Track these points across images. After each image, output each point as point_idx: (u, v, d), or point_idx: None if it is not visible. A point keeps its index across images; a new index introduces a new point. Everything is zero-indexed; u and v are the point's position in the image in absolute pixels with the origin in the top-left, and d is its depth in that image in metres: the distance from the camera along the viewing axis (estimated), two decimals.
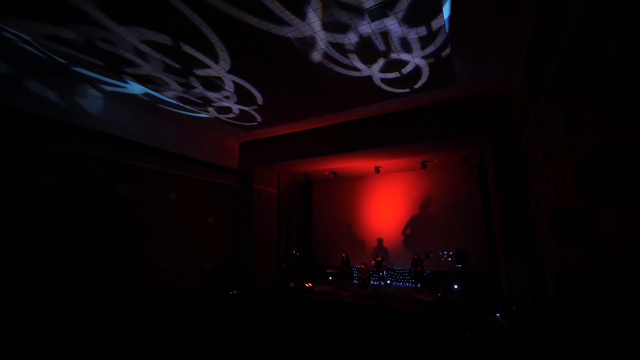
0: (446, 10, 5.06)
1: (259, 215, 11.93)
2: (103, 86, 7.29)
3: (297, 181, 15.19)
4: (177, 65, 6.42)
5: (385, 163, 11.84)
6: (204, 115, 9.07)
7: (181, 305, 8.85)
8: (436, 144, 9.01)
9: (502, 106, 7.72)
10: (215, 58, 6.19)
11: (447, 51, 5.99)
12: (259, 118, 9.40)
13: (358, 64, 6.44)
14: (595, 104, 2.80)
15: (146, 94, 7.71)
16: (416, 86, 7.40)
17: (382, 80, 7.11)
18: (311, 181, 15.27)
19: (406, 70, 6.70)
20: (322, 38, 5.61)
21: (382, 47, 5.89)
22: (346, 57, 6.19)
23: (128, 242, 8.19)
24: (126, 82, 7.14)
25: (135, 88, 7.37)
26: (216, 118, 9.33)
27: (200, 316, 6.88)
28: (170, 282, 9.18)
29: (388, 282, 11.71)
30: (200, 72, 6.66)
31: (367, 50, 5.97)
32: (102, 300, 7.53)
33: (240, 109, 8.71)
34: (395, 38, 5.62)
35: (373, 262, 11.33)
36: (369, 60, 6.33)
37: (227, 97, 7.91)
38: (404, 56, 6.18)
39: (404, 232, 12.77)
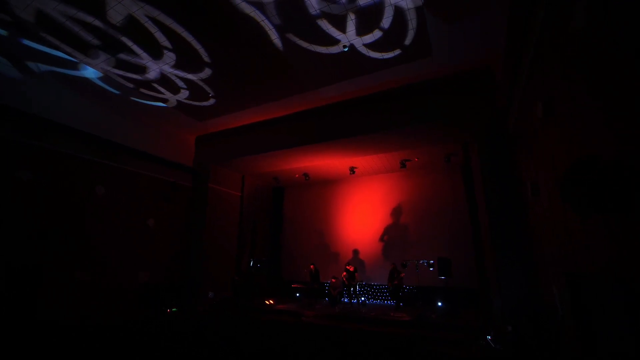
0: None
1: (215, 221, 10.31)
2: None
3: (267, 186, 13.68)
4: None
5: (360, 162, 10.53)
6: (156, 103, 7.66)
7: (99, 325, 7.04)
8: (414, 132, 7.75)
9: (486, 82, 6.59)
10: None
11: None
12: (211, 96, 8.03)
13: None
14: None
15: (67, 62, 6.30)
16: (386, 55, 6.21)
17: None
18: (282, 186, 13.79)
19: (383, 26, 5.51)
20: None
21: None
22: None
23: (28, 244, 6.46)
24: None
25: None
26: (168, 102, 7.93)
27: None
28: (89, 297, 7.36)
29: (363, 299, 10.09)
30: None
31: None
32: None
33: (188, 80, 7.35)
34: None
35: (344, 273, 9.73)
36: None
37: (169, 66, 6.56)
38: None
39: (382, 241, 11.28)
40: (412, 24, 5.35)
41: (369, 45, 5.89)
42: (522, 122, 5.06)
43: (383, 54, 6.13)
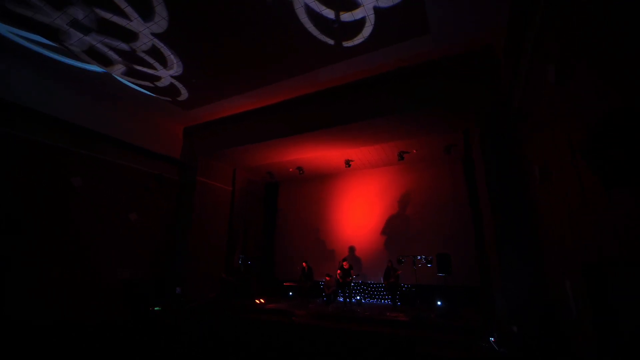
0: None
1: (203, 216, 9.84)
2: None
3: (261, 181, 13.20)
4: None
5: (356, 154, 10.04)
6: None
7: (74, 324, 6.56)
8: (412, 118, 7.28)
9: (487, 61, 6.10)
10: None
11: None
12: (184, 93, 7.58)
13: None
14: None
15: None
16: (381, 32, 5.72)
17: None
18: (276, 181, 13.30)
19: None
20: None
21: None
22: None
23: None
24: None
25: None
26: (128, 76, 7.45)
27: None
28: (62, 294, 6.87)
29: (358, 298, 9.61)
30: None
31: None
32: None
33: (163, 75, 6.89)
34: None
35: (339, 271, 9.22)
36: None
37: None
38: None
39: (379, 238, 10.79)
40: None
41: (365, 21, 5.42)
42: (530, 96, 4.57)
43: (377, 33, 5.66)
